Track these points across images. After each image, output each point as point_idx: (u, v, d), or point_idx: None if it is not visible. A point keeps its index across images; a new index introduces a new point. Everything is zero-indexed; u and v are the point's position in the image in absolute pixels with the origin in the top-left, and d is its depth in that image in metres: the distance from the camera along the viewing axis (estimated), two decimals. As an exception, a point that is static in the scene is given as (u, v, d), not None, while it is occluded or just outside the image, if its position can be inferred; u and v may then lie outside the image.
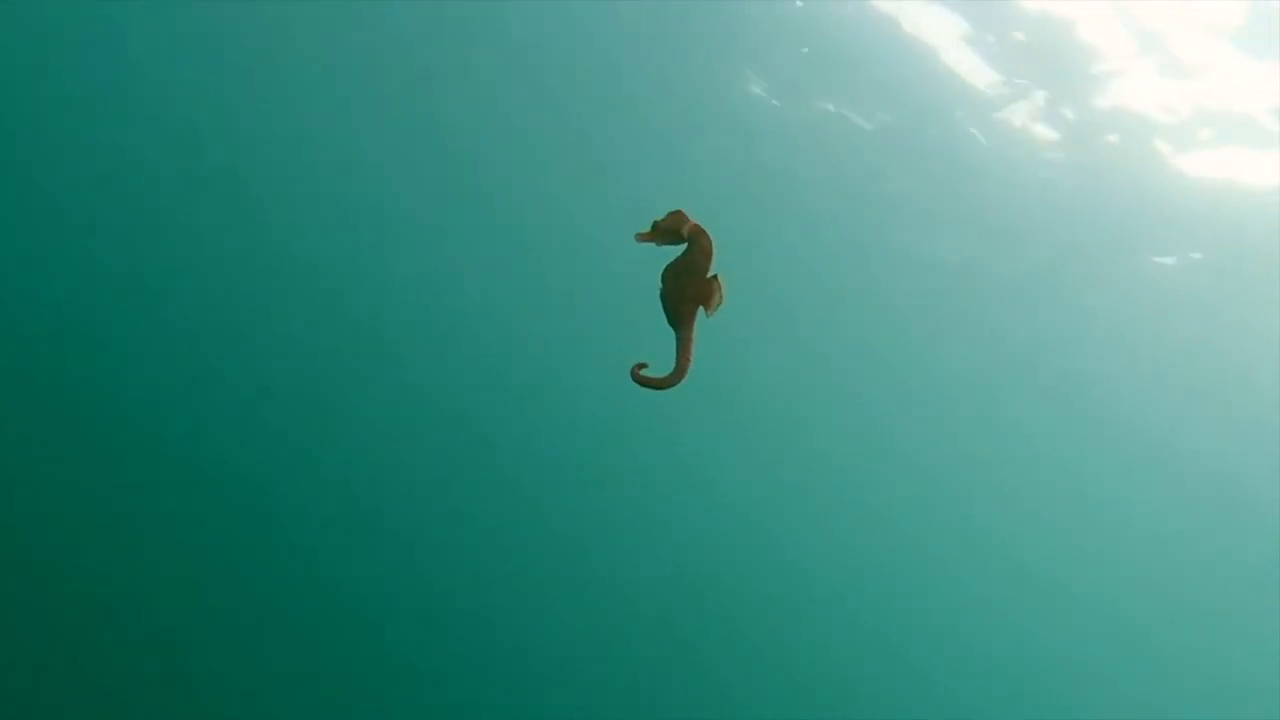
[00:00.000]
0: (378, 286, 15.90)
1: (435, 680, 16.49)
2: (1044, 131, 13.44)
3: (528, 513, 16.94)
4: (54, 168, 14.70)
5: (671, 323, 2.84)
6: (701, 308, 2.83)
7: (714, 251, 2.83)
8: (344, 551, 16.30)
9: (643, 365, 2.83)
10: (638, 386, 2.82)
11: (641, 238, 2.84)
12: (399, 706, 16.19)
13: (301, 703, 15.31)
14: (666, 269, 2.84)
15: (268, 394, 15.85)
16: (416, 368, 16.45)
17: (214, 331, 15.54)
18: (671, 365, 2.82)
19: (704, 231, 2.84)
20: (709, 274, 2.83)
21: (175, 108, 14.43)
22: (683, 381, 2.82)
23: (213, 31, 13.80)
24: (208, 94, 14.34)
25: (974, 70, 13.04)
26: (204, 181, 14.87)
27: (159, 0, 13.56)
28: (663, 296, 2.84)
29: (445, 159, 14.96)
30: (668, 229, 2.83)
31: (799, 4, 12.77)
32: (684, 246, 2.85)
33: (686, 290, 2.82)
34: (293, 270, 15.64)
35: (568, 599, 17.13)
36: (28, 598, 13.86)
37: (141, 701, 14.05)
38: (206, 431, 15.65)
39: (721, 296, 2.83)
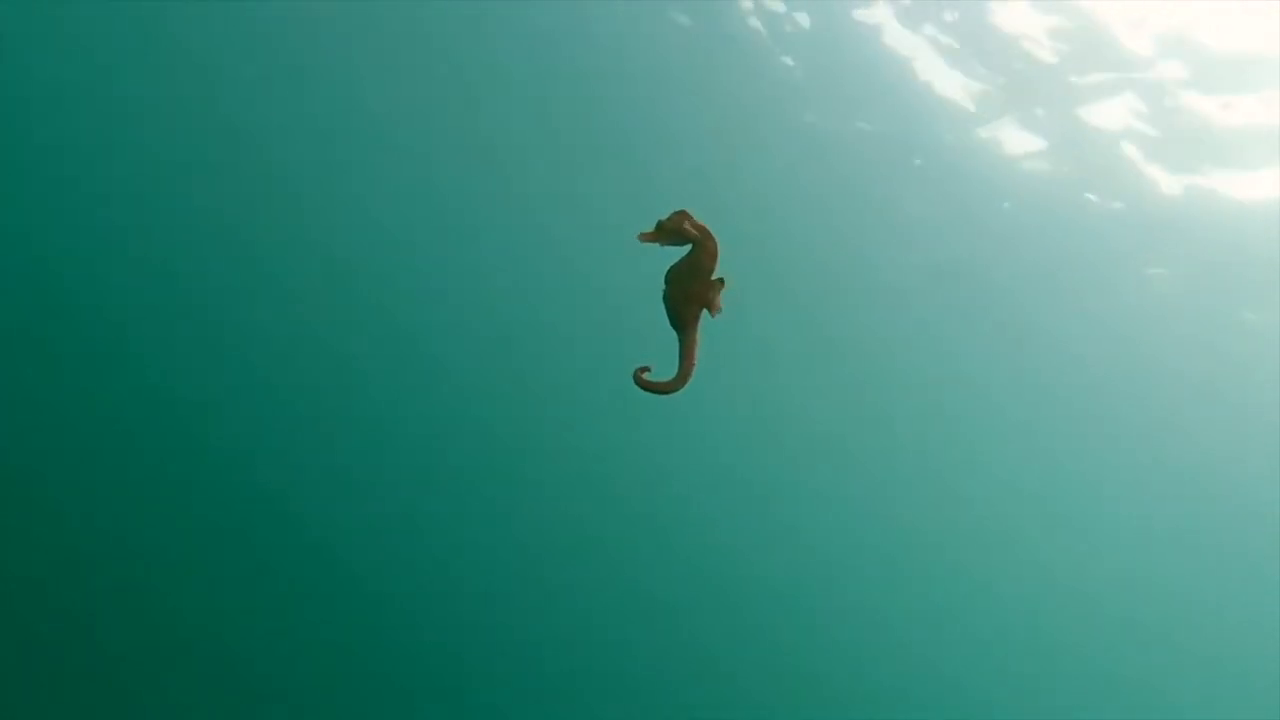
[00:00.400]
0: (378, 288, 15.87)
1: (442, 678, 16.46)
2: (1026, 145, 13.54)
3: (526, 517, 16.89)
4: (56, 163, 14.69)
5: (674, 325, 2.77)
6: (705, 310, 2.77)
7: (718, 253, 2.77)
8: (347, 550, 16.27)
9: (646, 369, 2.77)
10: (641, 390, 2.76)
11: (644, 238, 2.78)
12: (400, 702, 16.18)
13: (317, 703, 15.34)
14: (670, 270, 2.78)
15: (275, 390, 15.85)
16: (416, 370, 16.40)
17: (225, 330, 15.54)
18: (675, 369, 2.76)
19: (708, 232, 2.77)
20: (713, 275, 2.76)
21: (182, 102, 14.44)
22: (686, 385, 2.76)
23: (223, 26, 13.84)
24: (219, 87, 14.36)
25: (955, 85, 13.15)
26: (216, 177, 14.86)
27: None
28: (666, 298, 2.78)
29: (444, 158, 14.94)
30: (671, 229, 2.77)
31: (781, 10, 12.81)
32: (688, 248, 2.78)
33: (690, 292, 2.75)
34: (296, 267, 15.64)
35: (569, 599, 17.11)
36: (36, 597, 13.82)
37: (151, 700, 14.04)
38: (215, 429, 15.62)
39: (723, 298, 2.77)
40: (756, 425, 16.71)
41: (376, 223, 15.42)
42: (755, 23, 12.86)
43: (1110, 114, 13.02)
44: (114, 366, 15.25)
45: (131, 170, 14.81)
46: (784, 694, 17.92)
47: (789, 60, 13.26)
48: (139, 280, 15.26)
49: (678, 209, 2.79)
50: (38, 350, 14.79)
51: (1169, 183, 13.18)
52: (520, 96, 14.06)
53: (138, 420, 15.25)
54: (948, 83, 13.17)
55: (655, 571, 17.67)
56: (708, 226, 2.78)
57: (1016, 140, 13.44)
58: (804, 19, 12.78)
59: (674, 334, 2.78)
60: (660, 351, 2.81)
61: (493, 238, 15.50)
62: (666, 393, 2.75)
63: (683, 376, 2.75)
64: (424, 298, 16.07)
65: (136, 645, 14.35)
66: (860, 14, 12.60)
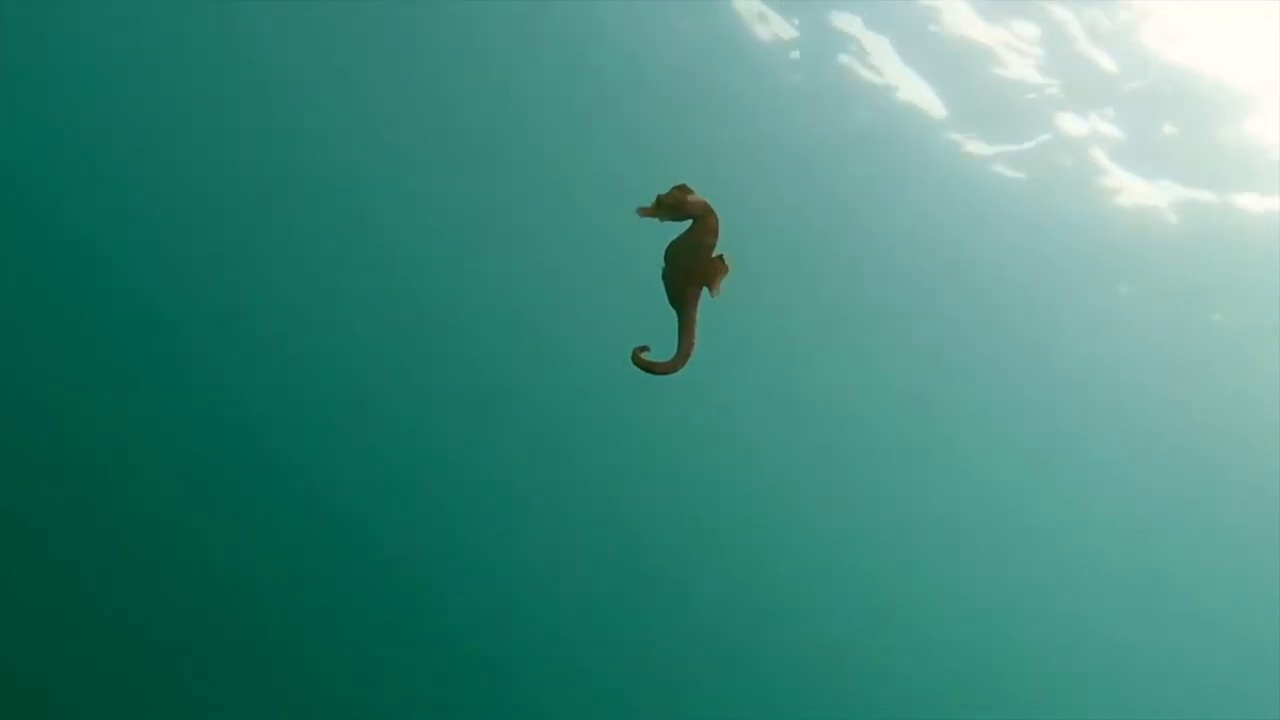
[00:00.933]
0: (373, 272, 15.86)
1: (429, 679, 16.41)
2: (998, 152, 13.65)
3: (521, 506, 16.85)
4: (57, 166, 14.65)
5: (674, 304, 2.67)
6: (706, 288, 2.66)
7: (720, 229, 2.67)
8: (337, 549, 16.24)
9: (644, 348, 2.67)
10: (639, 371, 2.65)
11: (643, 213, 2.66)
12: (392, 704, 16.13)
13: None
14: (669, 247, 2.67)
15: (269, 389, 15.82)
16: (408, 351, 16.37)
17: (223, 331, 15.52)
18: (674, 349, 2.66)
19: (710, 208, 2.67)
20: (714, 253, 2.66)
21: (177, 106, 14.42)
22: (686, 366, 2.66)
23: (216, 30, 13.84)
24: (211, 92, 14.35)
25: (927, 98, 13.24)
26: (210, 181, 14.87)
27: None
28: (665, 276, 2.67)
29: (435, 139, 14.98)
30: (671, 204, 2.65)
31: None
32: (688, 223, 2.68)
33: (690, 269, 2.65)
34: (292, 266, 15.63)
35: (561, 596, 17.07)
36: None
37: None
38: (211, 433, 15.58)
39: (727, 276, 2.66)
40: (722, 423, 16.75)
41: (376, 218, 15.47)
42: (744, 27, 12.97)
43: (1081, 124, 13.16)
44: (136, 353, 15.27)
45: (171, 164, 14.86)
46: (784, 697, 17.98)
47: (774, 67, 13.35)
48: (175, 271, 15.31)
49: (678, 183, 2.68)
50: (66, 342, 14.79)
51: (1144, 191, 13.36)
52: (521, 96, 14.16)
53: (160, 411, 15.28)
54: (920, 91, 13.26)
55: (651, 565, 17.65)
56: (709, 202, 2.67)
57: (988, 148, 13.54)
58: (788, 28, 12.88)
59: (673, 312, 2.68)
60: (660, 331, 2.71)
61: (488, 214, 15.51)
62: (665, 373, 2.65)
63: (682, 356, 2.64)
64: (416, 277, 16.07)
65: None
66: (838, 23, 12.68)
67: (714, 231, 2.65)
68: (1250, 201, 13.14)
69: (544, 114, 14.27)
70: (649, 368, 2.64)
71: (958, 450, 17.03)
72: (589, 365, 15.48)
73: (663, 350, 2.66)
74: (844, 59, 12.87)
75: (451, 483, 16.88)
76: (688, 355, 2.65)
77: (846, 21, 12.55)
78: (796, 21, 12.70)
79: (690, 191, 2.66)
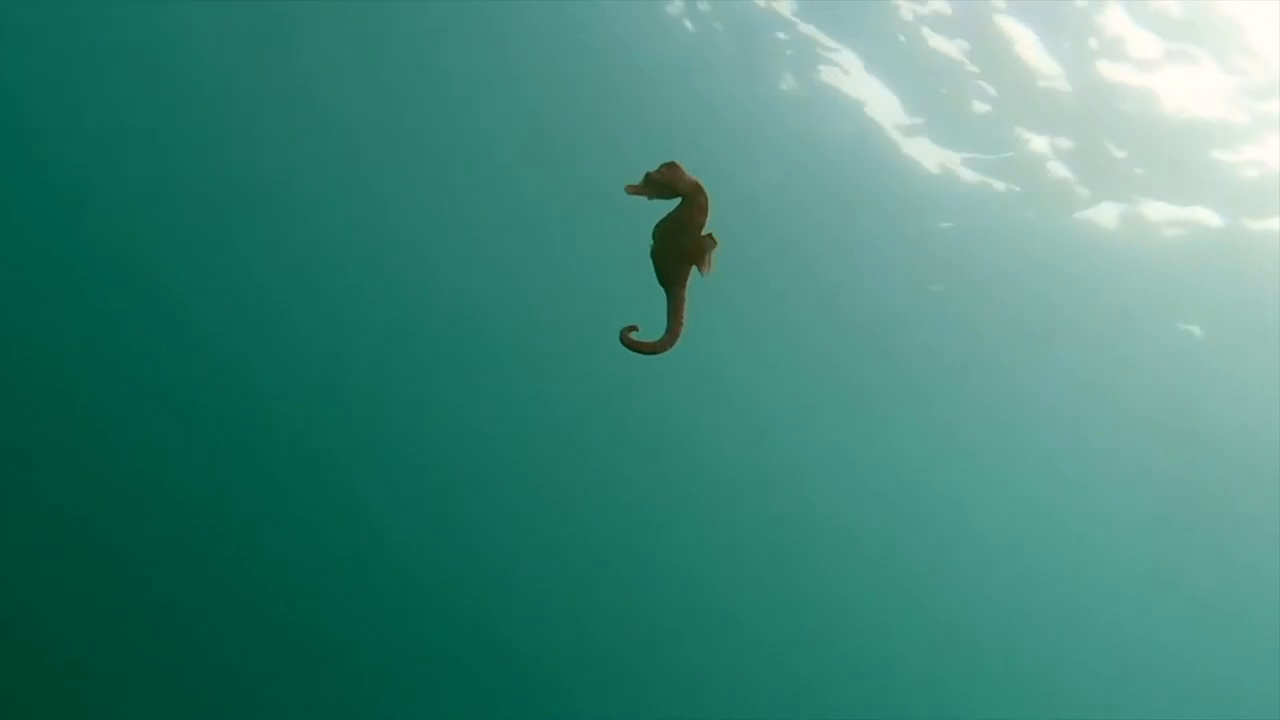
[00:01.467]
0: (370, 266, 15.82)
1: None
2: (965, 164, 13.79)
3: (509, 500, 16.81)
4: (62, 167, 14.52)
5: (663, 283, 2.63)
6: (695, 267, 2.62)
7: (710, 207, 2.63)
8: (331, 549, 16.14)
9: (632, 328, 2.62)
10: (627, 351, 2.61)
11: (632, 190, 2.62)
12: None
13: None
14: (658, 225, 2.63)
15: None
16: (403, 340, 16.33)
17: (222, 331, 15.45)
18: (663, 328, 2.62)
19: (700, 186, 2.63)
20: (704, 231, 2.62)
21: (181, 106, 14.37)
22: (675, 346, 2.62)
23: (222, 30, 13.80)
24: (215, 91, 14.30)
25: (894, 106, 13.35)
26: (214, 180, 14.83)
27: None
28: (653, 254, 2.63)
29: (431, 135, 14.96)
30: (661, 182, 2.61)
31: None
32: (677, 201, 2.64)
33: (680, 248, 2.61)
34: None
35: (551, 591, 17.00)
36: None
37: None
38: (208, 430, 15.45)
39: (716, 255, 2.63)
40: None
41: (376, 218, 15.44)
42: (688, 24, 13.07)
43: (1045, 143, 13.33)
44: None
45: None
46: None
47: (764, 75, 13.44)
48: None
49: (667, 161, 2.65)
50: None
51: (1106, 208, 13.57)
52: (522, 95, 14.21)
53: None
54: (885, 104, 13.37)
55: (640, 559, 17.61)
56: (699, 180, 2.63)
57: (955, 160, 13.67)
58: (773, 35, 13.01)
59: (662, 292, 2.63)
60: (649, 310, 2.67)
61: (474, 196, 15.50)
62: (655, 353, 2.61)
63: (671, 336, 2.61)
64: (412, 284, 16.05)
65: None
66: (813, 34, 12.77)
67: (704, 210, 2.61)
68: (1206, 216, 13.40)
69: (531, 108, 14.32)
70: (637, 347, 2.60)
71: (944, 449, 17.18)
72: (579, 349, 15.47)
73: (652, 330, 2.62)
74: (822, 69, 13.01)
75: (447, 472, 16.87)
76: (677, 335, 2.61)
77: (817, 32, 12.69)
78: (781, 34, 12.83)
79: (680, 169, 2.63)
